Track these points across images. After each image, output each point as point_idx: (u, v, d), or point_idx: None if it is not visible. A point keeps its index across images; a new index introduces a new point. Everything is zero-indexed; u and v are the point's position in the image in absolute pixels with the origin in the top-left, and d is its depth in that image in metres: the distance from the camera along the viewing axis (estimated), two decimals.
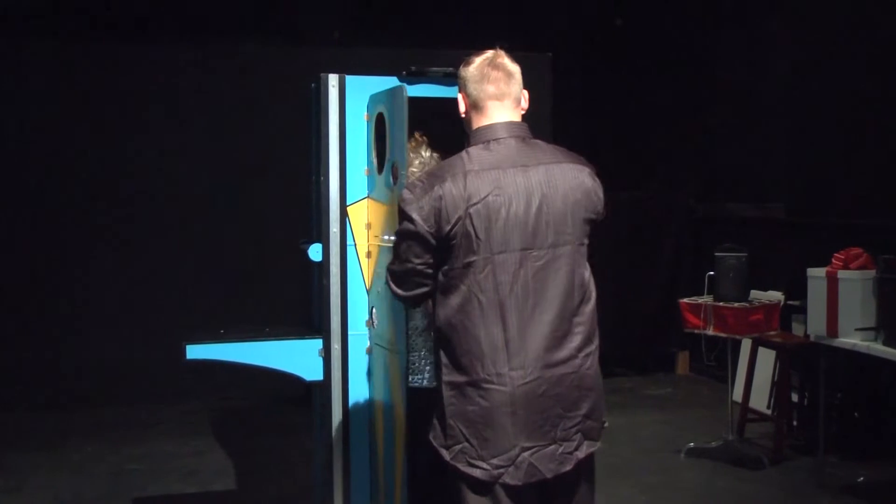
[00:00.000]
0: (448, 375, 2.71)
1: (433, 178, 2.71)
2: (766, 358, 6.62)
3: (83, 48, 7.61)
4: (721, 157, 8.39)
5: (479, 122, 2.81)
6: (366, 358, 3.77)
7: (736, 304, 5.87)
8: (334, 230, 3.75)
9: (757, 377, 6.54)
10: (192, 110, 7.77)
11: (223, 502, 5.47)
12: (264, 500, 5.41)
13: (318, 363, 3.79)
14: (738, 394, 6.55)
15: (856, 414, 6.17)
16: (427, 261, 2.73)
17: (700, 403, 7.61)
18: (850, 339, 5.13)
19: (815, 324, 5.36)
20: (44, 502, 5.42)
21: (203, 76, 7.81)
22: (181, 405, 7.47)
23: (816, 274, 5.36)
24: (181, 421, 7.16)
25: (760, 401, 6.70)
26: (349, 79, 3.76)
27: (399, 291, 2.83)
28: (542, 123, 7.98)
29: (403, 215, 2.72)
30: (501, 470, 2.65)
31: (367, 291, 3.78)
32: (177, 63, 7.75)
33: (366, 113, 3.77)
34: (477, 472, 2.66)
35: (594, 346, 2.80)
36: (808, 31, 7.27)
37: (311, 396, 4.26)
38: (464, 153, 2.75)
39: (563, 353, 2.71)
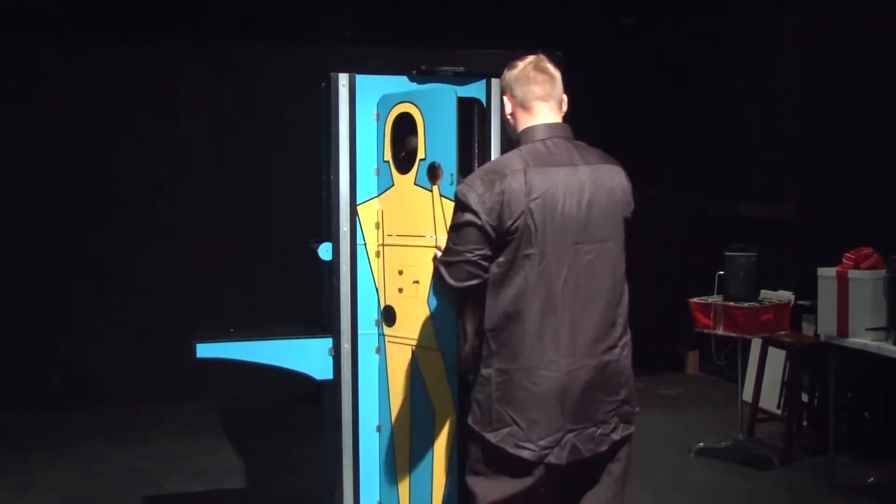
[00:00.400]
0: (499, 363, 2.83)
1: (493, 174, 2.82)
2: (777, 358, 6.61)
3: (91, 48, 7.63)
4: (731, 156, 8.37)
5: (526, 121, 2.96)
6: (375, 357, 3.77)
7: (746, 304, 5.86)
8: (344, 229, 3.75)
9: (767, 377, 6.53)
10: (201, 109, 7.78)
11: (233, 501, 5.49)
12: (274, 499, 5.42)
13: (328, 362, 3.79)
14: (748, 394, 6.54)
15: (866, 414, 6.15)
16: (485, 253, 2.83)
17: (710, 403, 7.60)
18: (861, 339, 5.12)
19: (826, 324, 5.35)
20: (53, 500, 5.44)
21: (212, 75, 7.82)
22: (191, 404, 7.49)
23: (827, 274, 5.34)
24: (191, 420, 7.18)
25: (770, 401, 6.69)
26: (359, 78, 3.76)
27: (451, 282, 2.89)
28: None
29: (464, 208, 2.81)
30: (548, 451, 2.80)
31: (376, 290, 3.78)
32: (185, 62, 7.77)
33: (375, 112, 3.77)
34: (525, 454, 2.80)
35: (629, 337, 2.96)
36: (820, 29, 7.25)
37: (320, 395, 4.27)
38: (519, 150, 2.89)
39: (608, 342, 2.87)
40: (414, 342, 3.67)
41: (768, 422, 6.55)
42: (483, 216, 2.78)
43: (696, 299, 6.10)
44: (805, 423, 6.40)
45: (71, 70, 7.60)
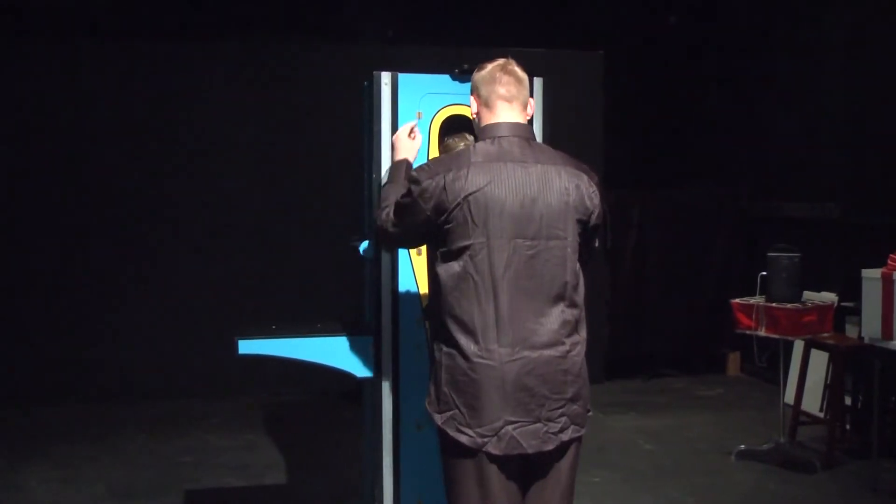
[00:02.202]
0: (446, 347, 2.93)
1: (439, 165, 2.96)
2: (819, 360, 6.54)
3: (131, 46, 7.71)
4: (775, 156, 8.29)
5: (488, 120, 3.04)
6: (416, 354, 3.78)
7: (789, 305, 5.80)
8: None
9: (809, 379, 6.46)
10: (244, 108, 7.83)
11: (273, 496, 5.52)
12: (314, 495, 5.45)
13: (369, 359, 3.80)
14: (789, 396, 6.47)
15: None
16: (413, 227, 3.00)
17: (751, 405, 7.54)
18: None
19: (870, 326, 5.28)
20: (97, 493, 5.51)
21: (253, 74, 7.87)
22: (233, 400, 7.56)
23: (871, 275, 5.28)
24: (233, 415, 7.24)
25: (813, 404, 6.62)
26: (402, 76, 3.77)
27: (389, 228, 3.09)
28: (594, 120, 7.99)
29: (408, 193, 2.98)
30: (486, 439, 2.86)
31: (417, 287, 3.78)
32: (226, 61, 7.83)
33: (418, 111, 3.78)
34: (463, 439, 2.87)
35: (581, 337, 3.00)
36: (865, 28, 7.16)
37: (361, 393, 4.29)
38: (470, 147, 3.01)
39: (551, 338, 2.91)
40: None
41: (810, 425, 6.48)
42: (422, 203, 2.92)
43: (738, 300, 6.05)
44: (848, 426, 6.32)
45: (112, 68, 7.67)
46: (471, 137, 3.85)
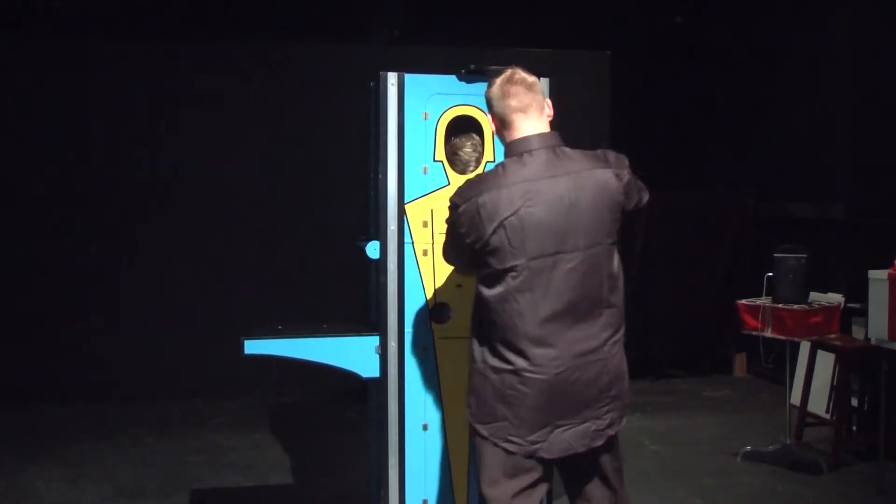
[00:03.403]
0: (493, 361, 2.98)
1: (472, 188, 2.99)
2: (826, 361, 6.52)
3: (137, 46, 7.72)
4: (781, 156, 8.27)
5: (511, 136, 3.04)
6: (422, 355, 3.78)
7: (795, 306, 5.78)
8: (392, 228, 3.76)
9: (816, 381, 6.44)
10: (249, 108, 7.84)
11: (280, 496, 5.52)
12: (320, 495, 5.45)
13: (375, 360, 3.80)
14: (796, 397, 6.46)
15: None
16: (459, 251, 3.09)
17: (757, 406, 7.52)
18: None
19: (877, 327, 5.27)
20: (104, 493, 5.51)
21: (258, 74, 7.88)
22: (239, 400, 7.56)
23: (878, 276, 5.26)
24: (239, 415, 7.25)
25: (819, 405, 6.60)
26: (408, 77, 3.77)
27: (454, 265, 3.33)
28: (600, 121, 7.98)
29: (450, 216, 3.05)
30: (537, 446, 2.95)
31: (423, 288, 3.78)
32: (232, 61, 7.83)
33: (424, 111, 3.78)
34: (513, 447, 2.95)
35: (620, 335, 3.06)
36: (870, 28, 7.14)
37: (367, 393, 4.29)
38: (499, 167, 3.02)
39: (593, 342, 2.97)
40: None
41: (817, 426, 6.46)
42: (459, 228, 2.99)
43: (744, 301, 6.04)
44: (854, 427, 6.30)
45: (117, 69, 7.69)
46: (477, 137, 3.85)
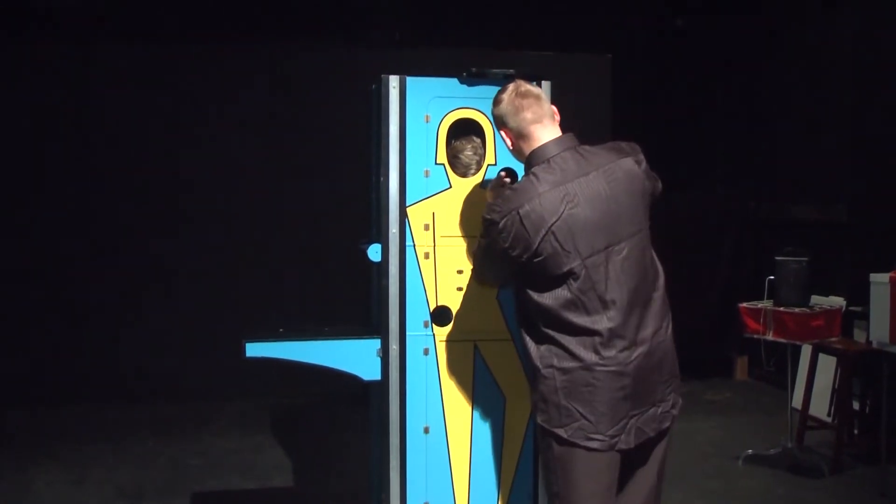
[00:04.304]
0: (559, 362, 3.01)
1: (509, 202, 3.00)
2: (827, 364, 6.52)
3: (141, 49, 7.72)
4: (781, 158, 8.27)
5: (530, 146, 3.11)
6: (424, 359, 3.78)
7: (797, 310, 5.78)
8: (393, 231, 3.75)
9: (817, 384, 6.43)
10: (251, 112, 7.84)
11: (281, 498, 5.53)
12: (321, 497, 5.45)
13: (376, 363, 3.80)
14: (797, 401, 6.46)
15: None
16: (499, 265, 3.13)
17: (759, 410, 7.52)
18: None
19: (878, 330, 5.27)
20: (106, 494, 5.52)
21: (259, 77, 7.88)
22: (240, 402, 7.56)
23: (880, 279, 5.26)
24: (240, 417, 7.25)
25: (821, 408, 6.59)
26: (410, 80, 3.77)
27: (488, 280, 3.40)
28: (602, 124, 7.97)
29: (488, 235, 3.07)
30: (616, 438, 2.99)
31: (425, 291, 3.78)
32: (234, 65, 7.83)
33: (426, 114, 3.78)
34: (595, 444, 2.98)
35: (670, 313, 3.15)
36: (871, 31, 7.14)
37: (368, 396, 4.28)
38: (531, 176, 3.04)
39: (654, 326, 3.05)
40: (477, 337, 3.78)
41: (818, 430, 6.45)
42: (501, 243, 3.01)
43: (745, 304, 6.04)
44: (856, 431, 6.30)
45: (119, 71, 7.70)
46: (478, 140, 3.85)
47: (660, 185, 3.24)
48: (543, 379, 3.04)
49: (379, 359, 3.79)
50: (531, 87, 3.16)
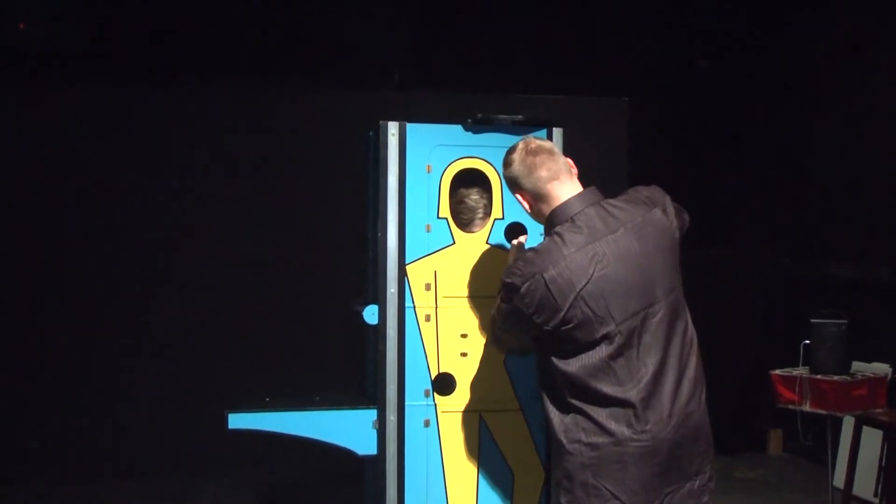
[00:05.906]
0: (589, 437, 3.00)
1: (532, 265, 3.00)
2: (872, 438, 6.46)
3: (128, 91, 7.78)
4: (817, 212, 8.28)
5: (551, 205, 3.12)
6: (424, 431, 3.75)
7: (836, 378, 5.76)
8: (392, 291, 3.75)
9: (861, 460, 6.37)
10: (242, 157, 7.86)
11: None
12: None
13: (372, 436, 3.78)
14: (839, 478, 6.39)
15: None
16: (522, 332, 3.14)
17: (796, 488, 7.45)
18: None
19: None
20: None
21: (251, 121, 7.91)
22: (224, 478, 7.50)
23: None
24: (224, 494, 7.19)
25: (866, 487, 6.52)
26: (410, 126, 3.79)
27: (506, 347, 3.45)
28: (619, 170, 7.99)
29: (511, 299, 3.06)
30: None
31: (426, 357, 3.77)
32: (227, 106, 7.87)
33: (427, 164, 3.79)
34: None
35: (704, 379, 3.15)
36: None
37: (363, 472, 4.25)
38: (555, 237, 3.04)
39: (688, 394, 3.05)
40: (482, 407, 3.76)
41: None
42: (524, 309, 3.01)
43: (778, 371, 6.02)
44: None
45: (105, 114, 7.74)
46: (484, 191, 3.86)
47: (687, 216, 3.25)
48: (569, 455, 3.02)
49: (375, 431, 3.78)
50: (542, 142, 3.18)
